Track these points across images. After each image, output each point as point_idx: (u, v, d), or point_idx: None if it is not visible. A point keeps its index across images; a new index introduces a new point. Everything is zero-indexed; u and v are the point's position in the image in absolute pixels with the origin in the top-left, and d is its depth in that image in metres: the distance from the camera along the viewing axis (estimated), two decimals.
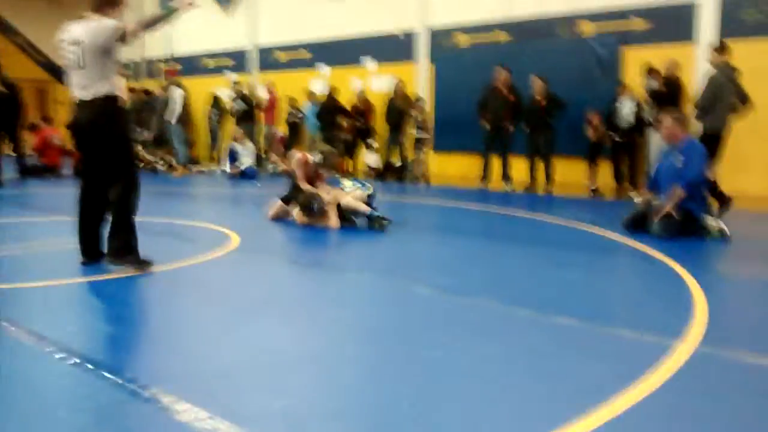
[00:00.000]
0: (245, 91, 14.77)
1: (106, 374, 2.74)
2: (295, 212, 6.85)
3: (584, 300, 4.15)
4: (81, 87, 4.51)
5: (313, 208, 6.66)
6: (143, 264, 4.64)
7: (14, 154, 11.24)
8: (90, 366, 2.82)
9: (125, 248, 4.62)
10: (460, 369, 2.88)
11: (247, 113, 14.25)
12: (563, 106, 10.10)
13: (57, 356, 2.96)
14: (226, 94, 15.39)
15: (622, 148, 10.09)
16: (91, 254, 4.77)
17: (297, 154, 7.12)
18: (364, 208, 6.63)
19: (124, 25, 4.50)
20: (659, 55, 9.75)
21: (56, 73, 21.82)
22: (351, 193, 6.75)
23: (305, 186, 6.79)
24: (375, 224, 6.47)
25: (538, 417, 2.41)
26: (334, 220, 6.58)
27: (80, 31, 4.47)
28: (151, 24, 4.62)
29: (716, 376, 2.84)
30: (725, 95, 7.59)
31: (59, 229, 6.65)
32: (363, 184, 7.04)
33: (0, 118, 10.46)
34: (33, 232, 6.40)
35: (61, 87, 22.02)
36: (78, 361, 2.88)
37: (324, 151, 7.14)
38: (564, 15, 11.28)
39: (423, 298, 4.13)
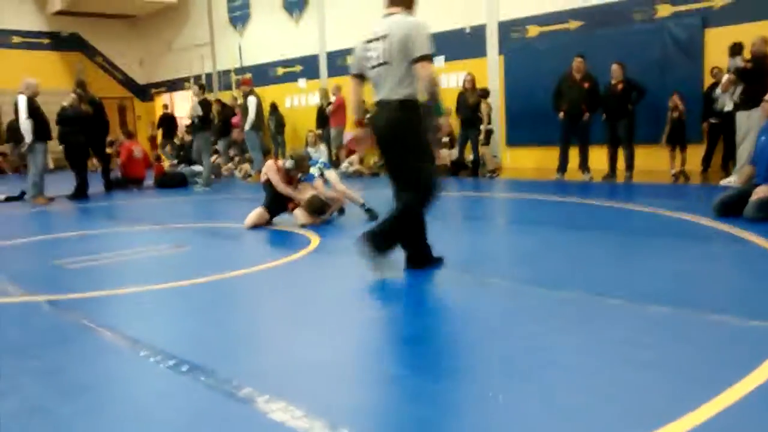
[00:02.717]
0: (209, 98, 13.70)
1: (201, 376, 2.78)
2: (297, 213, 6.89)
3: (678, 287, 3.95)
4: (386, 85, 4.26)
5: (321, 208, 6.90)
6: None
7: (100, 169, 11.72)
8: (185, 368, 2.87)
9: (388, 245, 4.39)
10: (555, 362, 2.78)
11: (205, 121, 12.54)
12: (643, 92, 9.75)
13: (152, 359, 3.02)
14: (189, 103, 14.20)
15: (718, 132, 9.67)
16: (417, 261, 4.56)
17: (268, 162, 7.27)
18: (359, 199, 7.24)
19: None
20: (744, 34, 9.28)
21: (135, 89, 22.74)
22: (335, 180, 7.36)
23: (288, 191, 6.91)
24: (370, 214, 6.93)
25: (646, 412, 2.27)
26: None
27: (388, 27, 4.22)
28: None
29: None
30: None
31: (145, 237, 6.89)
32: (325, 164, 7.57)
33: (87, 135, 10.92)
34: (121, 241, 6.63)
35: (140, 103, 22.96)
36: (173, 363, 2.94)
37: (294, 156, 7.13)
38: None
39: (507, 291, 4.03)
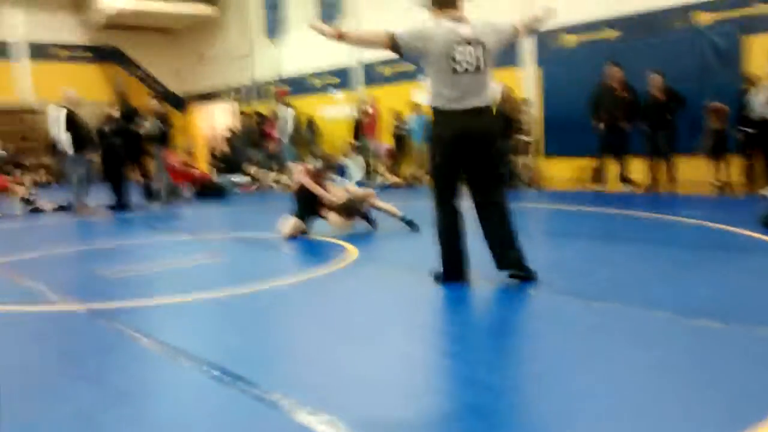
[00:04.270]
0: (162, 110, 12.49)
1: (243, 386, 2.79)
2: (331, 216, 6.97)
3: (726, 301, 3.85)
4: (480, 91, 4.17)
5: (354, 209, 6.96)
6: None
7: (141, 180, 11.92)
8: (226, 378, 2.89)
9: (523, 255, 4.39)
10: (605, 377, 2.72)
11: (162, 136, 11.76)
12: (683, 101, 9.60)
13: (193, 369, 3.05)
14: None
15: (756, 141, 9.45)
16: (460, 275, 4.44)
17: (298, 167, 7.47)
18: (397, 212, 7.17)
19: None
20: None
21: (172, 101, 23.11)
22: (355, 190, 7.43)
23: (322, 192, 6.98)
24: (412, 226, 6.91)
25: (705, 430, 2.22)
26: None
27: (478, 31, 4.15)
28: None
29: None
30: None
31: (184, 247, 6.98)
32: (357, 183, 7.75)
33: (126, 147, 11.11)
34: (161, 251, 6.72)
35: (179, 114, 23.31)
36: (216, 373, 2.95)
37: (322, 156, 7.32)
38: (678, 6, 10.73)
39: (549, 303, 3.98)
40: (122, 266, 5.71)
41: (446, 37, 4.07)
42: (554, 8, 4.59)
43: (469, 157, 4.27)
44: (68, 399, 2.76)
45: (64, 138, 10.21)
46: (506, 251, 4.37)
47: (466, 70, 4.10)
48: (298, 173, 7.15)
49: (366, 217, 7.22)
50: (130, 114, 11.35)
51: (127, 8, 19.14)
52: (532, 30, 4.57)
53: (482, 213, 4.42)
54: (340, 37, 4.18)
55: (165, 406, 2.70)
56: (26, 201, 11.16)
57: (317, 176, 7.10)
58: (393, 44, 4.11)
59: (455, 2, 4.19)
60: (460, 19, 4.16)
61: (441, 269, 4.48)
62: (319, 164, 7.11)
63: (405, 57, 4.31)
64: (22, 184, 11.54)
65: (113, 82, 20.48)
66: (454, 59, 4.07)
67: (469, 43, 4.09)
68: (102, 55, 21.80)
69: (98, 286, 5.13)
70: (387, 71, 15.75)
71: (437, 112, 4.24)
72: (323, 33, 4.21)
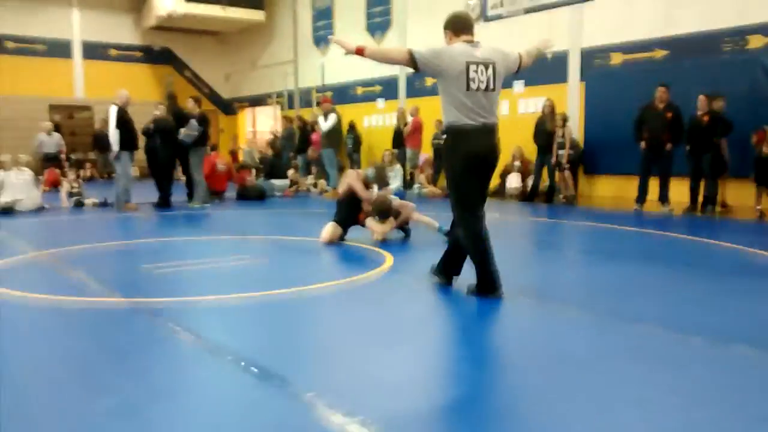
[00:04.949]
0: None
1: (280, 384, 2.88)
2: (369, 222, 7.11)
3: (764, 328, 3.84)
4: (491, 110, 4.46)
5: (388, 212, 7.02)
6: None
7: (183, 179, 12.18)
8: (265, 376, 2.99)
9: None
10: (637, 401, 2.75)
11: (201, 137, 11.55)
12: (730, 126, 9.48)
13: (235, 366, 3.15)
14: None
15: None
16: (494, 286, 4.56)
17: (349, 171, 7.63)
18: (434, 223, 7.26)
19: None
20: None
21: (220, 103, 23.54)
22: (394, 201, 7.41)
23: (367, 194, 7.15)
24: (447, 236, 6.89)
25: None
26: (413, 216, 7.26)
27: (489, 54, 4.46)
28: None
29: None
30: None
31: (226, 247, 7.13)
32: (396, 193, 7.99)
33: (173, 146, 11.36)
34: (203, 250, 6.89)
35: (224, 117, 23.73)
36: (255, 370, 3.06)
37: (376, 166, 7.46)
38: (732, 29, 10.60)
39: (585, 324, 3.99)
40: (165, 263, 5.87)
41: (462, 57, 4.35)
42: (551, 39, 5.14)
43: (479, 171, 4.51)
44: (112, 392, 2.86)
45: (113, 135, 10.50)
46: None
47: (479, 88, 4.36)
48: (352, 177, 7.31)
49: (402, 228, 7.31)
50: (177, 115, 11.61)
51: (178, 11, 19.58)
52: (534, 58, 4.98)
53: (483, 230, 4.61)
54: (360, 52, 4.39)
55: (205, 401, 2.80)
56: (72, 195, 11.49)
57: (367, 185, 7.28)
58: (412, 60, 4.36)
59: (469, 28, 4.54)
60: (473, 43, 4.47)
61: (476, 281, 4.57)
62: (370, 173, 7.30)
63: (421, 72, 4.52)
64: (67, 177, 11.86)
65: (164, 83, 20.96)
66: (468, 77, 4.33)
67: (481, 64, 4.37)
68: (153, 55, 22.34)
69: (141, 282, 5.30)
70: (429, 82, 15.83)
71: (452, 127, 4.48)
72: (344, 48, 4.42)
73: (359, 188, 7.17)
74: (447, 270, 4.90)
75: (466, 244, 4.58)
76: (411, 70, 4.55)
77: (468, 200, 4.54)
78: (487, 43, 4.54)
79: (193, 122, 11.16)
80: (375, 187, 7.48)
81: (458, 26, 4.55)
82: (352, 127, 16.49)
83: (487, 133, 4.44)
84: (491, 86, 4.40)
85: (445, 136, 4.59)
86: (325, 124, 14.14)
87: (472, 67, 4.34)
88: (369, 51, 4.42)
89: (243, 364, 3.15)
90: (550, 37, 5.07)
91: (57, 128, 17.78)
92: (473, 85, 4.34)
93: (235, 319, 4.20)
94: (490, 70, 4.39)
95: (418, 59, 4.34)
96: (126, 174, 10.73)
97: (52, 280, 5.42)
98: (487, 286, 4.52)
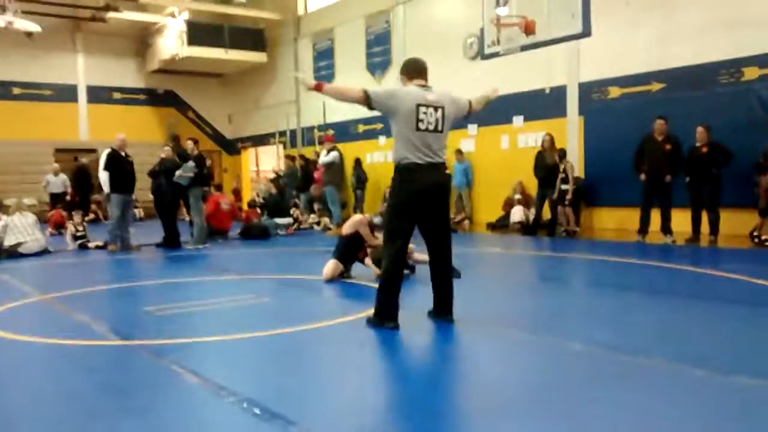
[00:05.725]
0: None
1: (283, 424, 2.89)
2: (369, 261, 7.18)
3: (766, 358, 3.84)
4: (439, 149, 4.68)
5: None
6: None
7: (188, 219, 12.25)
8: (267, 416, 2.99)
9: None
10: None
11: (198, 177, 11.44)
12: (730, 155, 9.55)
13: (237, 406, 3.16)
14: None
15: None
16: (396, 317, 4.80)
17: (358, 217, 7.67)
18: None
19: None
20: None
21: (223, 143, 23.78)
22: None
23: (375, 241, 7.18)
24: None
25: None
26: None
27: (440, 98, 4.70)
28: None
29: None
30: None
31: (229, 287, 7.16)
32: None
33: (177, 187, 11.45)
34: (206, 291, 6.91)
35: (228, 156, 23.95)
36: (257, 410, 3.06)
37: (383, 213, 7.50)
38: (727, 60, 10.74)
39: (583, 356, 4.00)
40: (167, 304, 5.90)
41: (413, 99, 4.59)
42: (498, 87, 5.42)
43: (426, 207, 4.69)
44: (115, 431, 2.88)
45: (102, 177, 10.68)
46: (446, 302, 4.91)
47: (427, 128, 4.58)
48: (360, 222, 7.36)
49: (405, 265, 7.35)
50: (180, 156, 11.73)
51: (181, 54, 19.91)
52: (484, 105, 5.27)
53: (434, 260, 4.92)
54: (319, 88, 4.69)
55: None
56: (76, 238, 11.54)
57: (373, 229, 7.35)
58: (366, 99, 4.61)
59: (422, 73, 4.81)
60: (425, 87, 4.72)
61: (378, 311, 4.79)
62: (377, 220, 7.37)
63: (375, 110, 4.75)
64: (72, 220, 11.92)
65: (167, 124, 21.22)
66: (418, 118, 4.55)
67: (431, 107, 4.60)
68: (157, 98, 22.67)
69: (145, 323, 5.32)
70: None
71: (399, 164, 4.66)
72: (305, 84, 4.77)
73: (366, 234, 7.25)
74: (439, 309, 4.99)
75: (383, 272, 4.80)
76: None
77: (397, 235, 4.73)
78: (439, 88, 4.78)
79: (189, 164, 11.24)
80: (380, 236, 7.52)
81: (412, 71, 4.82)
82: (358, 164, 16.64)
83: (433, 171, 4.64)
84: (439, 127, 4.63)
85: (393, 173, 4.77)
86: (325, 158, 14.32)
87: (422, 109, 4.57)
88: (326, 88, 4.73)
89: (245, 404, 3.16)
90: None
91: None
92: (422, 126, 4.56)
93: (238, 359, 4.22)
94: (440, 113, 4.63)
95: (373, 98, 4.60)
96: (118, 216, 10.80)
97: (56, 323, 5.44)
98: (385, 315, 4.73)
